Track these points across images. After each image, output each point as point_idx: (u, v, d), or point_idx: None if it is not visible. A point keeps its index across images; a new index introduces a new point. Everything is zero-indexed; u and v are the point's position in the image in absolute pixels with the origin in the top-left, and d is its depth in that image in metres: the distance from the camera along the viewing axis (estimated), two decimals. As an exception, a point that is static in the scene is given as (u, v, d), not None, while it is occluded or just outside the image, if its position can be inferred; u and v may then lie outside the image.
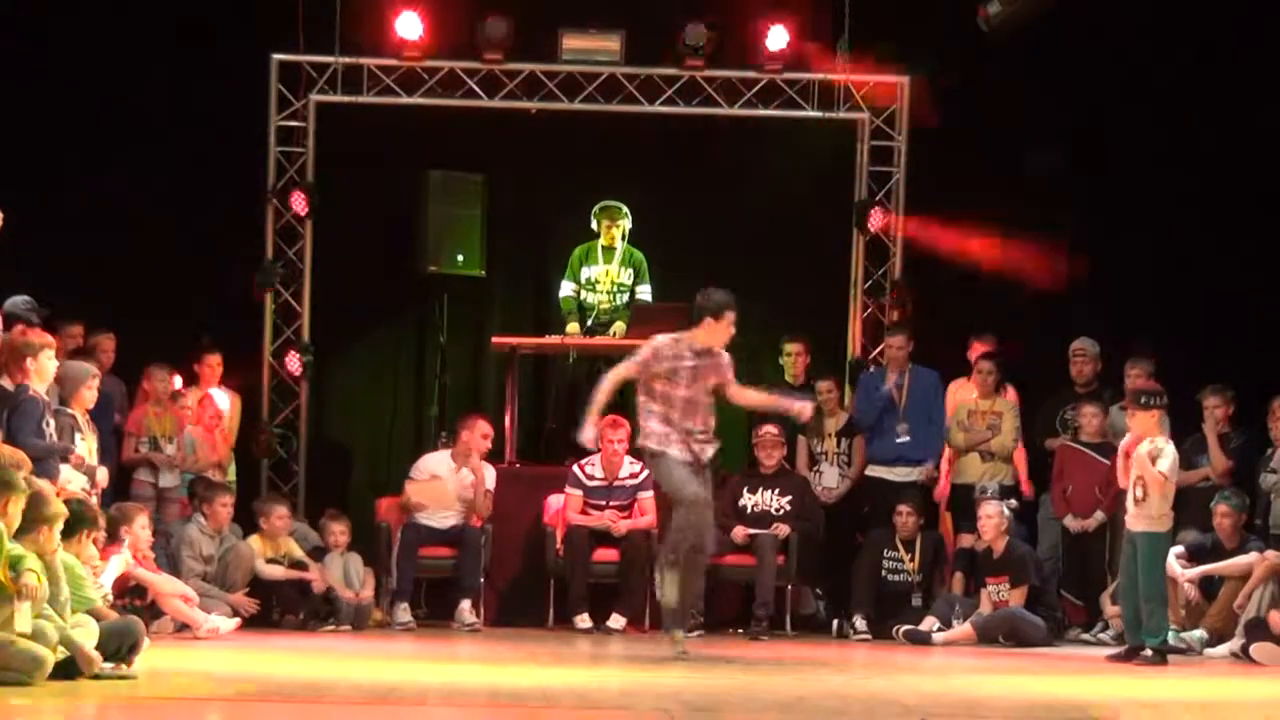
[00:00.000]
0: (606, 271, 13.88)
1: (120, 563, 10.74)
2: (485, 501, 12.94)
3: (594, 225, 13.88)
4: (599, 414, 10.49)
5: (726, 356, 10.49)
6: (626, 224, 13.88)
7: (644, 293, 13.85)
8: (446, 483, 12.87)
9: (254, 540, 12.37)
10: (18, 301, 11.26)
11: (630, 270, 13.88)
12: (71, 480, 10.42)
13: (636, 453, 13.02)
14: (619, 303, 13.83)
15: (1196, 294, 14.11)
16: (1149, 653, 10.78)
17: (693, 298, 13.59)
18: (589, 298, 13.89)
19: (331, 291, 14.44)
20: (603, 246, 13.90)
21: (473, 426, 13.03)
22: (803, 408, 10.78)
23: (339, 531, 12.71)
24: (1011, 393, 13.64)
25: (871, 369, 14.20)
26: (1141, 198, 14.21)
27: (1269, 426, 12.35)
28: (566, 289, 13.92)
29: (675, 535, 10.31)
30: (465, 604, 12.64)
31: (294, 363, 14.25)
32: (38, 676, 7.86)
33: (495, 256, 14.58)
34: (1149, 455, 10.82)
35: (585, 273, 13.89)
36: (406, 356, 14.96)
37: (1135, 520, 10.89)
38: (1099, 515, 12.84)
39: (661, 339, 10.42)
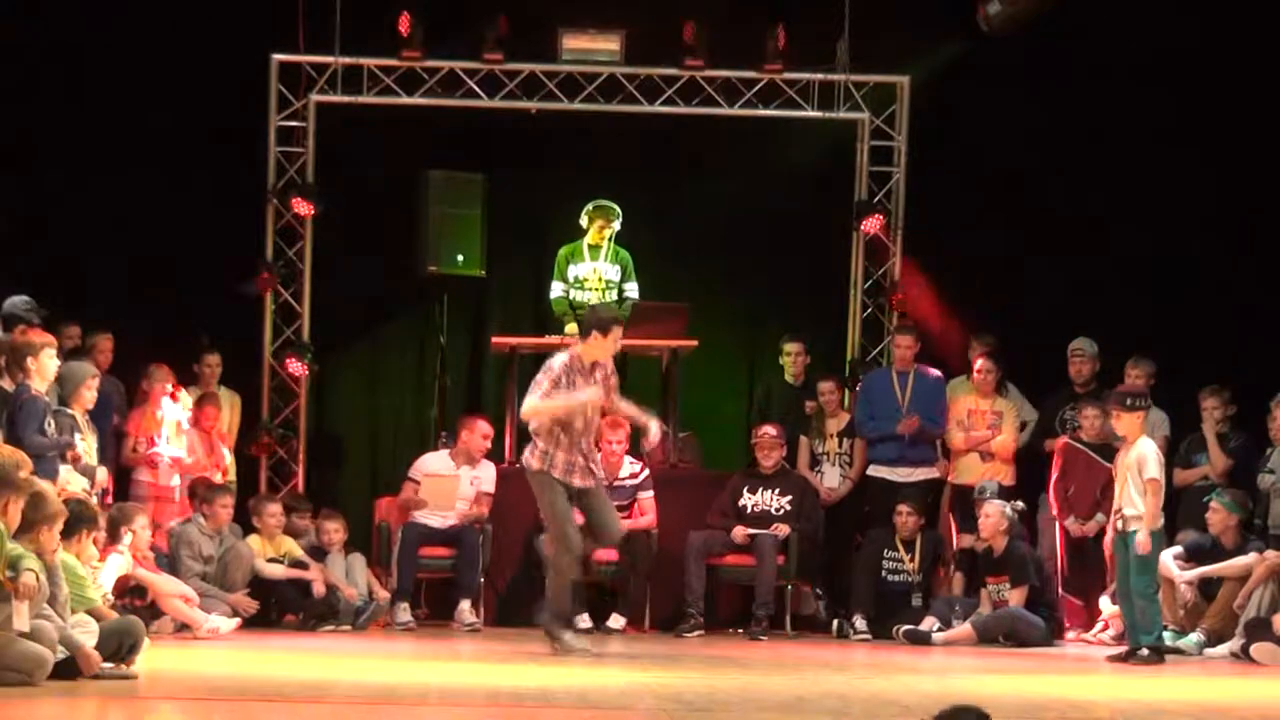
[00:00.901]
0: (595, 270, 13.84)
1: (120, 563, 10.73)
2: (481, 506, 12.96)
3: (584, 222, 13.84)
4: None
5: (612, 373, 10.85)
6: (617, 224, 13.84)
7: (631, 290, 13.83)
8: (448, 482, 12.89)
9: (253, 540, 12.38)
10: (17, 302, 11.25)
11: (618, 267, 13.87)
12: (71, 481, 10.42)
13: (636, 453, 13.07)
14: (609, 300, 13.82)
15: (1197, 294, 14.11)
16: (1145, 652, 10.79)
17: (692, 298, 13.72)
18: (579, 296, 13.84)
19: (331, 291, 14.43)
20: (590, 245, 13.86)
21: (472, 427, 13.04)
22: (654, 432, 11.13)
23: (333, 530, 12.71)
24: (1014, 392, 13.66)
25: (873, 370, 14.20)
26: (1141, 197, 14.21)
27: (1269, 427, 12.38)
28: (556, 290, 13.88)
29: (553, 570, 10.80)
30: (465, 604, 12.64)
31: (295, 366, 14.21)
32: (38, 676, 7.86)
33: (495, 256, 14.57)
34: (1136, 463, 10.83)
35: (573, 271, 13.86)
36: (406, 356, 14.94)
37: (1127, 521, 10.91)
38: (1099, 518, 12.86)
39: (559, 356, 10.75)
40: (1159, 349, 13.15)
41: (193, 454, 12.93)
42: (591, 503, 10.77)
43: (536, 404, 10.61)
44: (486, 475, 13.03)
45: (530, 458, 10.69)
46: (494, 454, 13.20)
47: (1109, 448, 12.90)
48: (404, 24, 14.05)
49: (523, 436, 13.74)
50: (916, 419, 13.18)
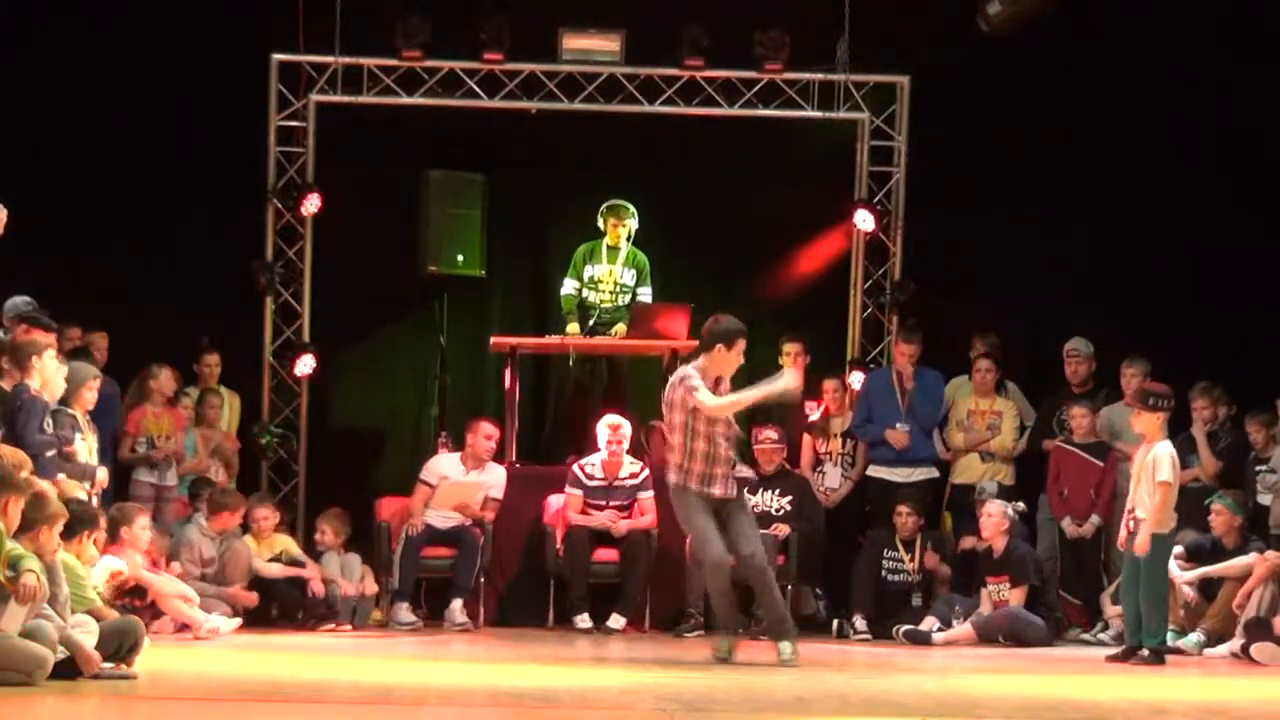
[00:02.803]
0: (610, 271, 13.85)
1: (107, 565, 10.62)
2: (488, 511, 12.96)
3: (600, 224, 13.87)
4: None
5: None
6: (633, 224, 13.85)
7: (645, 295, 13.83)
8: (470, 488, 12.88)
9: (249, 539, 12.36)
10: (18, 302, 11.24)
11: (633, 271, 13.87)
12: (67, 487, 10.41)
13: (636, 452, 13.08)
14: (621, 303, 13.81)
15: (1197, 294, 14.11)
16: (1146, 653, 10.79)
17: (692, 298, 13.70)
18: (590, 296, 13.86)
19: (331, 291, 14.43)
20: (608, 246, 13.87)
21: (475, 430, 13.04)
22: (789, 385, 10.58)
23: (326, 531, 12.70)
24: (1014, 392, 13.66)
25: (872, 369, 14.20)
26: (1140, 197, 14.21)
27: (1248, 430, 12.42)
28: (568, 287, 13.89)
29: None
30: (456, 604, 12.63)
31: (306, 365, 14.20)
32: (38, 676, 7.86)
33: (495, 256, 14.58)
34: (1152, 464, 10.82)
35: (588, 271, 13.87)
36: (406, 356, 14.94)
37: (1138, 522, 10.89)
38: (1095, 519, 12.87)
39: (693, 370, 10.29)
40: (1159, 350, 13.14)
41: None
42: (731, 513, 10.41)
43: (722, 401, 10.19)
44: (495, 480, 13.00)
45: (671, 474, 10.38)
46: (494, 454, 13.18)
47: (1101, 446, 12.92)
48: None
49: (523, 438, 13.79)
50: (906, 435, 13.17)
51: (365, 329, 14.86)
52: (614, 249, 13.86)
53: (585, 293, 13.85)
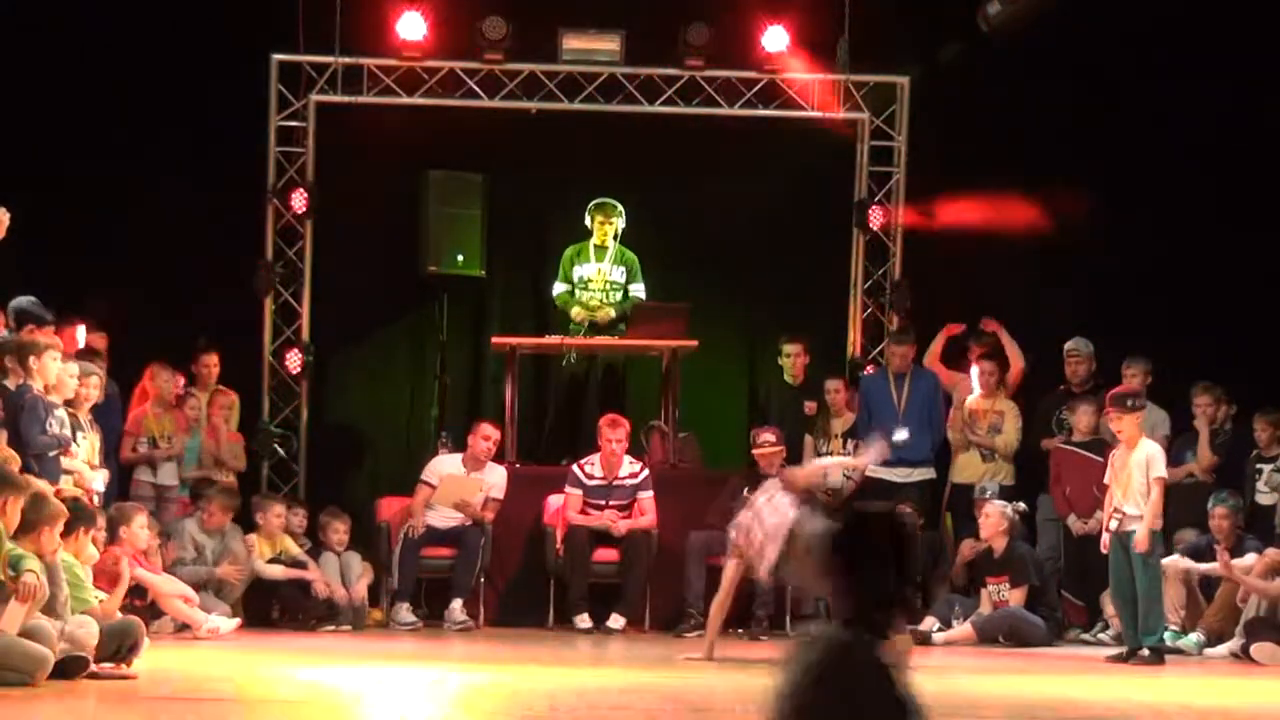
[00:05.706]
0: (599, 271, 13.84)
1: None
2: (488, 512, 12.95)
3: (587, 222, 13.85)
4: None
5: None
6: (620, 222, 13.83)
7: (637, 291, 13.82)
8: (470, 484, 12.88)
9: (253, 538, 12.37)
10: (23, 302, 11.25)
11: (623, 269, 13.86)
12: (86, 477, 10.44)
13: (636, 452, 13.07)
14: (613, 300, 13.81)
15: (1198, 293, 14.12)
16: (1146, 652, 10.79)
17: (692, 298, 13.68)
18: (582, 296, 13.85)
19: (331, 291, 14.43)
20: (595, 245, 13.85)
21: (475, 430, 13.05)
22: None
23: (322, 529, 12.70)
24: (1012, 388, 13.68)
25: (871, 370, 14.20)
26: (1139, 197, 14.21)
27: (1254, 428, 12.42)
28: (559, 288, 13.87)
29: None
30: (456, 603, 12.64)
31: (294, 362, 14.25)
32: (38, 676, 7.87)
33: (495, 256, 14.57)
34: (1145, 463, 10.83)
35: (577, 272, 13.85)
36: (406, 356, 14.94)
37: (1127, 521, 10.90)
38: (1099, 515, 12.86)
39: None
40: (1159, 350, 13.15)
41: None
42: None
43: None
44: (495, 480, 13.01)
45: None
46: (494, 454, 13.18)
47: (1101, 444, 12.92)
48: (406, 25, 14.05)
49: (522, 437, 13.79)
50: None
51: (365, 329, 14.86)
52: (601, 248, 13.83)
53: (577, 293, 13.83)
